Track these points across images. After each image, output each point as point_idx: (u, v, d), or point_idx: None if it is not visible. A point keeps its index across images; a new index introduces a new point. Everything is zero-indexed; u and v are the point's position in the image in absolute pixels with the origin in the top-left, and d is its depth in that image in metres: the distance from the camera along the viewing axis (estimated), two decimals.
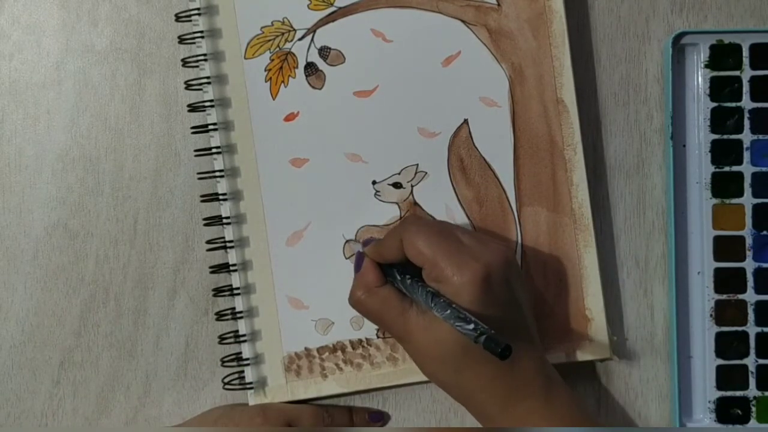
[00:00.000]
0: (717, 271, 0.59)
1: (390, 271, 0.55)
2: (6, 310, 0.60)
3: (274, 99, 0.59)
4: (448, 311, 0.49)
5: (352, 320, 0.59)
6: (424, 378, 0.55)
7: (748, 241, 0.59)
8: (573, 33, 0.59)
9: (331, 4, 0.58)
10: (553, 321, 0.59)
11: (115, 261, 0.60)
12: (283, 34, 0.59)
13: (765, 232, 0.59)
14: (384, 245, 0.55)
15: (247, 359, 0.58)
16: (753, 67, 0.59)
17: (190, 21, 0.59)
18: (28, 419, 0.60)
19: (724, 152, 0.59)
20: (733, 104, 0.59)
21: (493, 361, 0.49)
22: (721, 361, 0.59)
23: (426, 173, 0.59)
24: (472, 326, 0.48)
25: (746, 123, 0.59)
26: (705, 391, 0.59)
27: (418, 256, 0.52)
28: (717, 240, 0.59)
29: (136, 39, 0.60)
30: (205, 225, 0.59)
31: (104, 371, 0.60)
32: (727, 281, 0.59)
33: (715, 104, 0.59)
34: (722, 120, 0.59)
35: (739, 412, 0.59)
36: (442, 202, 0.59)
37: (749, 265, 0.59)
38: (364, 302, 0.54)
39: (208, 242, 0.59)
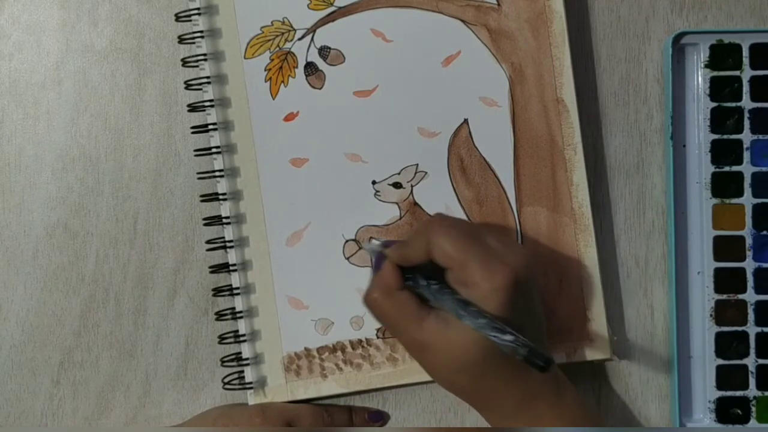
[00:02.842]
0: (717, 271, 0.59)
1: (412, 276, 0.53)
2: (6, 310, 0.60)
3: (274, 99, 0.59)
4: (483, 321, 0.48)
5: (352, 320, 0.59)
6: (424, 378, 0.55)
7: (748, 241, 0.59)
8: (573, 33, 0.59)
9: (331, 4, 0.58)
10: (554, 321, 0.59)
11: (115, 261, 0.60)
12: (283, 33, 0.59)
13: (765, 232, 0.59)
14: (409, 247, 0.53)
15: (246, 359, 0.58)
16: (753, 67, 0.59)
17: (190, 21, 0.59)
18: (28, 419, 0.60)
19: (724, 152, 0.59)
20: (733, 104, 0.59)
21: (510, 365, 0.49)
22: (721, 361, 0.59)
23: (426, 173, 0.59)
24: (511, 338, 0.47)
25: (746, 123, 0.59)
26: (705, 391, 0.59)
27: (446, 258, 0.51)
28: (717, 240, 0.59)
29: (136, 39, 0.60)
30: (205, 225, 0.59)
31: (104, 371, 0.60)
32: (727, 281, 0.59)
33: (715, 104, 0.59)
34: (722, 120, 0.59)
35: (739, 412, 0.59)
36: (442, 202, 0.59)
37: (749, 265, 0.59)
38: (380, 304, 0.53)
39: (208, 242, 0.59)
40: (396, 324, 0.53)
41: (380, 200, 0.59)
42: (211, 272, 0.59)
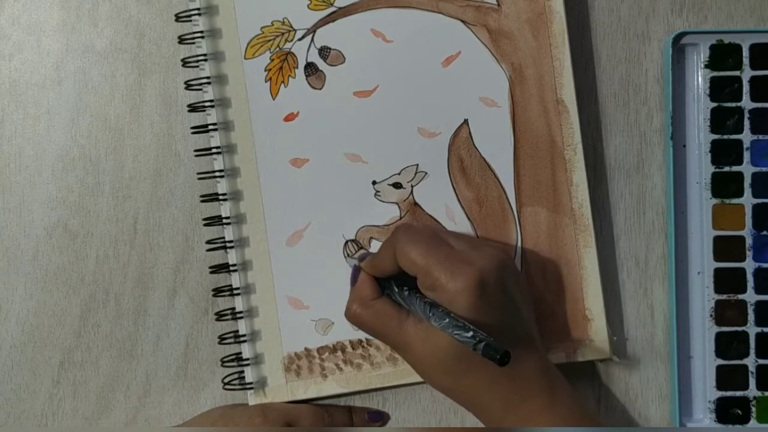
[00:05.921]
0: (717, 271, 0.59)
1: (388, 284, 0.55)
2: (6, 310, 0.60)
3: (274, 99, 0.59)
4: (446, 320, 0.49)
5: None
6: None
7: (748, 241, 0.59)
8: (573, 33, 0.59)
9: (331, 4, 0.58)
10: (554, 321, 0.59)
11: (115, 261, 0.60)
12: (283, 34, 0.59)
13: (765, 232, 0.59)
14: (378, 258, 0.55)
15: (247, 359, 0.58)
16: (753, 67, 0.59)
17: (190, 21, 0.59)
18: (28, 419, 0.60)
19: (724, 152, 0.59)
20: (733, 104, 0.59)
21: (493, 366, 0.49)
22: (721, 361, 0.59)
23: (426, 173, 0.59)
24: (470, 334, 0.47)
25: (746, 123, 0.59)
26: (705, 391, 0.59)
27: (411, 265, 0.52)
28: (717, 240, 0.59)
29: (136, 39, 0.60)
30: (205, 225, 0.59)
31: (104, 371, 0.60)
32: (727, 281, 0.59)
33: (715, 104, 0.59)
34: (722, 120, 0.59)
35: (739, 412, 0.59)
36: (442, 203, 0.59)
37: (749, 265, 0.59)
38: (359, 315, 0.54)
39: (208, 242, 0.59)
40: (378, 331, 0.54)
41: (380, 200, 0.59)
42: (211, 272, 0.59)
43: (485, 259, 0.52)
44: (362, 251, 0.59)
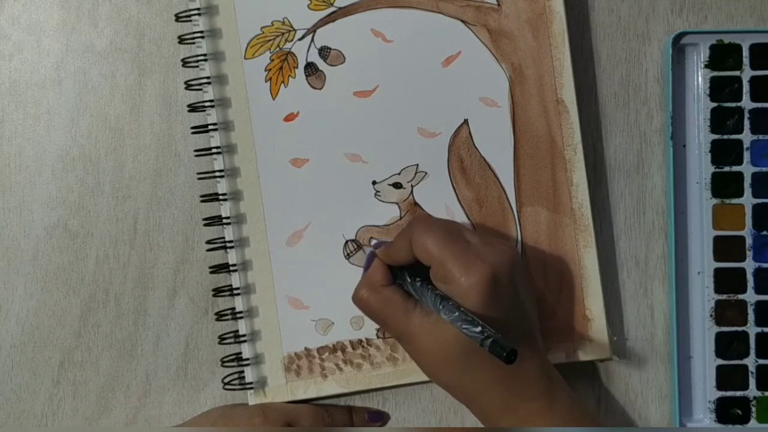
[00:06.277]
0: (717, 271, 0.59)
1: (401, 273, 0.55)
2: (6, 310, 0.60)
3: (274, 99, 0.59)
4: (456, 314, 0.49)
5: (352, 320, 0.59)
6: (424, 378, 0.55)
7: (748, 241, 0.59)
8: (573, 33, 0.59)
9: (331, 4, 0.58)
10: (554, 321, 0.59)
11: (115, 261, 0.60)
12: (283, 34, 0.59)
13: (765, 232, 0.59)
14: (394, 246, 0.55)
15: (247, 359, 0.59)
16: (753, 67, 0.59)
17: (190, 21, 0.59)
18: (28, 419, 0.60)
19: (724, 152, 0.59)
20: (733, 104, 0.59)
21: (496, 364, 0.49)
22: (721, 361, 0.59)
23: (426, 173, 0.59)
24: (479, 329, 0.48)
25: (746, 123, 0.59)
26: (705, 391, 0.59)
27: (426, 255, 0.52)
28: (717, 240, 0.59)
29: (136, 39, 0.60)
30: (205, 225, 0.59)
31: (104, 371, 0.60)
32: (727, 281, 0.59)
33: (715, 104, 0.59)
34: (722, 120, 0.59)
35: (739, 412, 0.59)
36: (442, 203, 0.59)
37: (749, 265, 0.59)
38: (366, 300, 0.54)
39: (208, 242, 0.59)
40: (383, 318, 0.54)
41: (380, 200, 0.59)
42: (211, 272, 0.59)
43: (499, 255, 0.52)
44: (368, 236, 0.59)
